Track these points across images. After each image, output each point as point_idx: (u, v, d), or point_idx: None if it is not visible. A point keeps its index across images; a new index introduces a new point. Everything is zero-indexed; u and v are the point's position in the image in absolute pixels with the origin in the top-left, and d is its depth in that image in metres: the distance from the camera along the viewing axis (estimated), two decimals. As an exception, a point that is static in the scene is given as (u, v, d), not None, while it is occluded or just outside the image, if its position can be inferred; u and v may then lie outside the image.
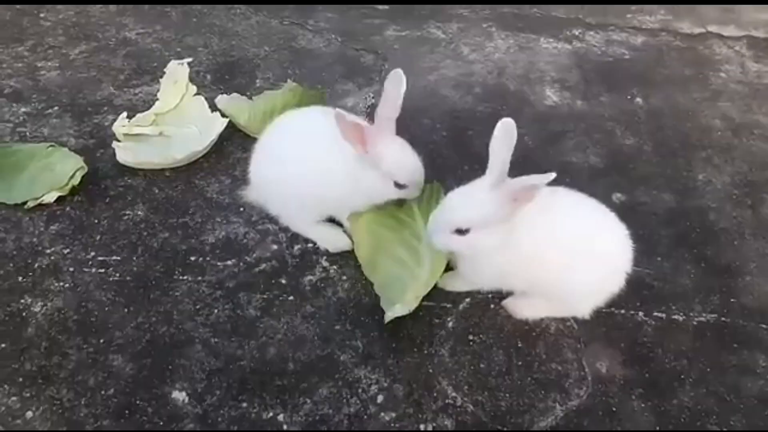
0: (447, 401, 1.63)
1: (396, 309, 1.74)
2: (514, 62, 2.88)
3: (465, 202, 1.66)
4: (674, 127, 2.56)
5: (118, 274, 1.89)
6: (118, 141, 2.27)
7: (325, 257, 1.97)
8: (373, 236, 1.91)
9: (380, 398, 1.63)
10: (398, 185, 1.82)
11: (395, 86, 1.77)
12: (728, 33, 3.17)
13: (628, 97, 2.71)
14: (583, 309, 1.82)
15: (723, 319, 1.86)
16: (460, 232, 1.65)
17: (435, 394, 1.64)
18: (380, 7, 3.24)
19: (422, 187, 1.88)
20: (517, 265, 1.71)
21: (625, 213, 2.11)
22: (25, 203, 2.06)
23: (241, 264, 1.94)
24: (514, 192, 1.56)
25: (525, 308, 1.82)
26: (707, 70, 2.91)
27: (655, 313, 1.86)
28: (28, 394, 1.60)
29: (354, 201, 1.92)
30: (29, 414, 1.57)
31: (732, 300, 1.91)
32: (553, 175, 1.51)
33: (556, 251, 1.67)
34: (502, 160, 1.59)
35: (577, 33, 3.11)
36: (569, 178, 2.25)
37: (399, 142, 1.84)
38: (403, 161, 1.82)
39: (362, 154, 1.76)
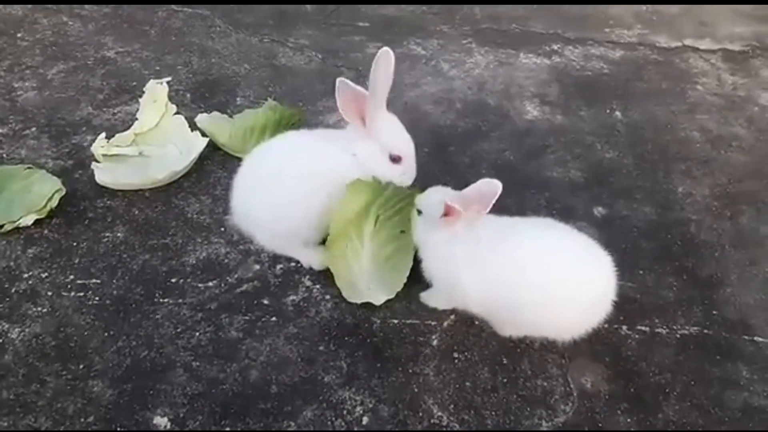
0: (433, 421, 1.62)
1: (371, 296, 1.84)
2: (494, 78, 2.90)
3: (432, 192, 1.81)
4: (653, 140, 2.59)
5: (97, 298, 1.86)
6: (97, 162, 2.24)
7: (307, 276, 1.95)
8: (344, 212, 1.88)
9: (365, 420, 1.61)
10: (393, 159, 1.86)
11: (386, 65, 1.77)
12: (704, 46, 3.22)
13: (608, 110, 2.74)
14: (564, 335, 1.79)
15: (705, 331, 1.87)
16: (417, 211, 1.79)
17: (421, 414, 1.63)
18: (361, 24, 3.25)
19: (414, 173, 1.94)
20: (482, 284, 1.71)
21: (606, 226, 2.15)
22: (1, 226, 2.03)
23: (223, 285, 1.92)
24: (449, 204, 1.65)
25: (509, 327, 1.82)
26: (684, 83, 2.94)
27: (639, 327, 1.87)
28: (5, 423, 1.57)
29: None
30: (6, 444, 1.53)
31: (714, 312, 1.92)
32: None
33: (522, 283, 1.67)
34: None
35: (555, 48, 3.14)
36: (550, 193, 2.29)
37: (394, 118, 1.89)
38: (399, 133, 1.88)
39: (360, 126, 1.81)
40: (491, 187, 1.62)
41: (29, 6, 3.23)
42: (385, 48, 1.77)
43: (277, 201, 1.88)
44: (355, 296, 1.86)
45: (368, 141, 1.86)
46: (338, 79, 1.75)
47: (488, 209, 1.66)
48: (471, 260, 1.70)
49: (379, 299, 1.85)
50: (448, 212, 1.68)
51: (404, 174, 1.93)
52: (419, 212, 1.79)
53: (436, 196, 1.76)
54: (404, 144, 1.90)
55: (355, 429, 1.59)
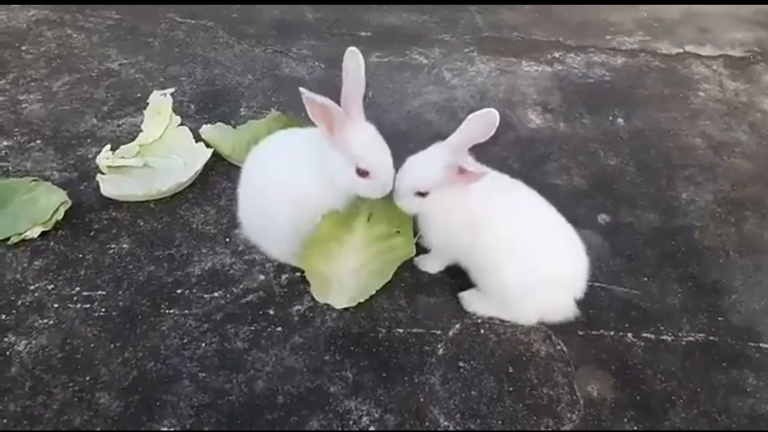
0: (439, 430, 1.62)
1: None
2: (496, 86, 2.91)
3: (423, 167, 1.75)
4: (656, 147, 2.59)
5: (103, 309, 1.87)
6: (102, 173, 2.26)
7: (312, 286, 1.96)
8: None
9: (372, 430, 1.61)
10: (360, 172, 1.72)
11: (353, 63, 1.72)
12: (705, 52, 3.23)
13: (610, 118, 2.75)
14: (521, 313, 1.85)
15: (711, 338, 1.87)
16: (421, 194, 1.76)
17: (427, 424, 1.63)
18: (363, 33, 3.27)
19: (388, 189, 1.77)
20: (462, 232, 1.79)
21: (610, 234, 2.15)
22: (8, 239, 2.03)
23: (228, 295, 1.92)
24: (462, 165, 1.65)
25: (475, 303, 1.89)
26: (686, 89, 2.95)
27: (644, 334, 1.87)
28: (12, 436, 1.57)
29: (329, 196, 1.83)
30: (13, 456, 1.54)
31: (719, 319, 1.92)
32: (488, 171, 1.67)
33: (498, 238, 1.76)
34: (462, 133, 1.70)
35: (557, 55, 3.15)
36: (554, 200, 2.28)
37: (369, 128, 1.77)
38: (369, 145, 1.74)
39: (329, 137, 1.70)
40: (485, 119, 1.65)
41: (33, 19, 3.26)
42: (351, 48, 1.71)
43: (268, 206, 1.87)
44: (323, 295, 1.90)
45: (334, 151, 1.73)
46: (301, 90, 1.64)
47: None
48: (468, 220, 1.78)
49: (340, 303, 1.88)
50: (462, 172, 1.68)
51: (374, 189, 1.77)
52: (423, 194, 1.75)
53: (433, 169, 1.72)
54: (374, 157, 1.74)
55: (362, 439, 1.60)
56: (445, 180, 1.71)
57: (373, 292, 1.88)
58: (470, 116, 1.67)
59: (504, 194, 1.81)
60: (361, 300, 1.88)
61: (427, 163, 1.75)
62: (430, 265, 2.00)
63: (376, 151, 1.75)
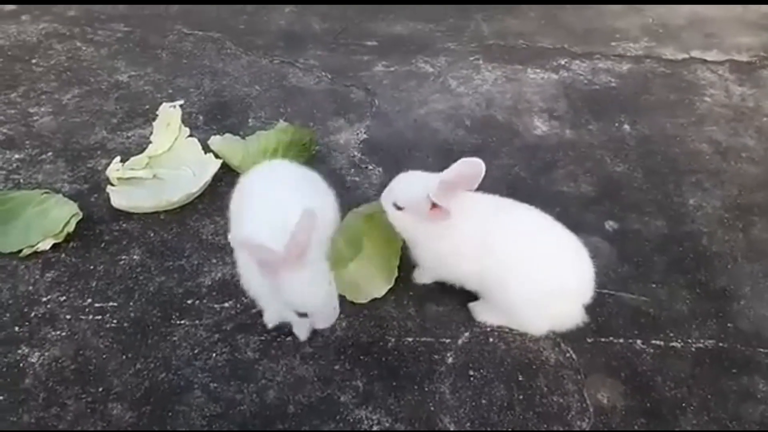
0: (449, 439, 1.63)
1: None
2: (502, 93, 2.92)
3: (408, 183, 1.79)
4: (663, 153, 2.60)
5: (115, 321, 1.88)
6: (112, 185, 2.28)
7: (322, 296, 1.97)
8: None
9: (382, 438, 1.62)
10: (299, 314, 1.64)
11: (306, 222, 1.52)
12: (711, 58, 3.23)
13: (616, 124, 2.75)
14: (530, 325, 1.85)
15: (721, 344, 1.87)
16: (397, 207, 1.79)
17: (437, 432, 1.64)
18: (369, 43, 3.29)
19: (328, 322, 1.65)
20: (460, 255, 1.79)
21: (618, 240, 2.15)
22: (20, 251, 2.06)
23: (238, 306, 1.93)
24: (434, 200, 1.67)
25: (485, 313, 1.89)
26: (692, 95, 2.95)
27: (654, 341, 1.86)
28: (26, 447, 1.59)
29: None
30: (28, 468, 1.55)
31: (729, 325, 1.92)
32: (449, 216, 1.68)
33: (498, 256, 1.75)
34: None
35: (563, 62, 3.16)
36: (561, 207, 2.29)
37: (304, 273, 1.56)
38: (303, 291, 1.59)
39: (273, 279, 1.57)
40: (474, 168, 1.67)
41: (43, 32, 3.30)
42: (307, 209, 1.54)
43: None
44: (361, 296, 1.93)
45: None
46: (232, 239, 1.71)
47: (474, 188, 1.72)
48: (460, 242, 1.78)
49: (381, 291, 1.94)
50: (434, 207, 1.70)
51: (311, 324, 1.70)
52: (399, 208, 1.79)
53: (415, 190, 1.73)
54: (305, 304, 1.61)
55: (373, 448, 1.61)
56: (418, 206, 1.73)
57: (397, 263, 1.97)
58: (461, 160, 1.68)
59: (501, 216, 1.80)
60: (394, 277, 1.96)
61: (413, 183, 1.78)
62: (419, 276, 2.00)
63: (313, 296, 1.60)
